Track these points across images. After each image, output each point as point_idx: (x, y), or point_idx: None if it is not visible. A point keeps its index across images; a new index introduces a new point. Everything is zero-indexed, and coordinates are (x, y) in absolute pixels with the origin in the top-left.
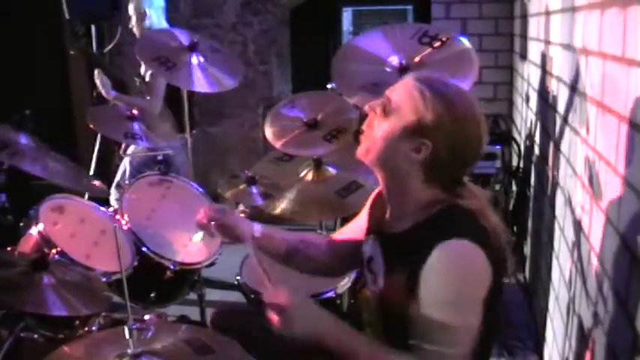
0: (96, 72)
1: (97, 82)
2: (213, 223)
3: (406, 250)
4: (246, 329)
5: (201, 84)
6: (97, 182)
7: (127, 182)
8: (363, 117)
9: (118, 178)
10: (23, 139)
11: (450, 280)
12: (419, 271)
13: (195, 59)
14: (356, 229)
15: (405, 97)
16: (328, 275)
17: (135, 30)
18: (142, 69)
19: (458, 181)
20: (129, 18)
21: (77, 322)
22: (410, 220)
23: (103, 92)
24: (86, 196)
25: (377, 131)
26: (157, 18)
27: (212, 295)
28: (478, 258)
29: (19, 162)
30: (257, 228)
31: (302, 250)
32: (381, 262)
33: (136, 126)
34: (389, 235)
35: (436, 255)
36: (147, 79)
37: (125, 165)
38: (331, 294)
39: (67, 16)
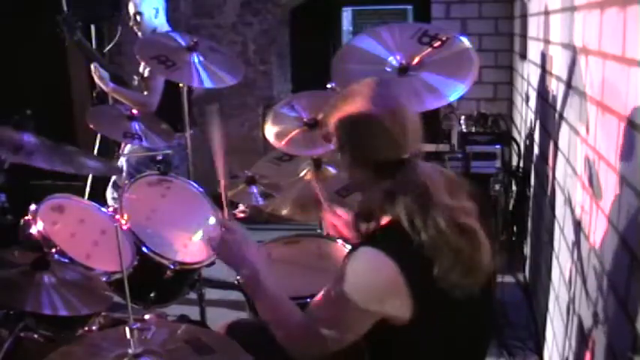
0: (92, 66)
1: (95, 76)
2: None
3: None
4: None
5: (201, 80)
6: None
7: (125, 182)
8: None
9: (114, 177)
10: (31, 139)
11: (350, 273)
12: None
13: (195, 58)
14: None
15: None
16: None
17: (136, 29)
18: (142, 66)
19: (395, 163)
20: (129, 17)
21: (77, 322)
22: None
23: (102, 85)
24: (86, 195)
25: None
26: (155, 17)
27: (212, 294)
28: (386, 270)
29: (36, 161)
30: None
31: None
32: None
33: (136, 126)
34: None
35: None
36: (145, 74)
37: (122, 164)
38: None
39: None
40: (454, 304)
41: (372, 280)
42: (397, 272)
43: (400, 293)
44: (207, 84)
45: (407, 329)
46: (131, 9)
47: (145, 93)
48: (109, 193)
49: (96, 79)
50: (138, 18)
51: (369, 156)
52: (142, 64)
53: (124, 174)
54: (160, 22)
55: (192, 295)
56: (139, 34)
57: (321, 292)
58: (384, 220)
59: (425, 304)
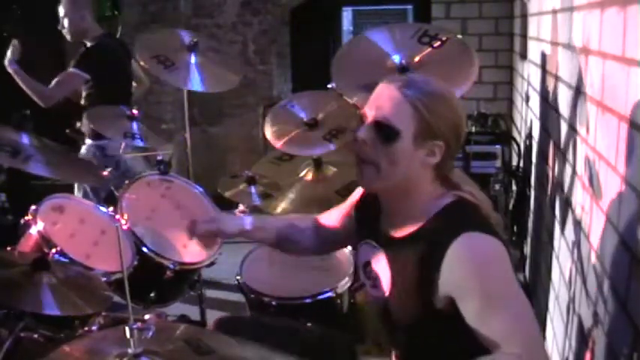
0: (14, 41)
1: (9, 50)
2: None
3: (412, 253)
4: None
5: (199, 83)
6: (105, 172)
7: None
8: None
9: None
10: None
11: (486, 275)
12: (435, 274)
13: (194, 59)
14: (339, 216)
15: (399, 109)
16: (314, 254)
17: (64, 33)
18: (69, 70)
19: (452, 167)
20: (59, 23)
21: (77, 322)
22: (414, 221)
23: (6, 60)
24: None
25: (385, 159)
26: (82, 20)
27: (212, 295)
28: (495, 245)
29: (32, 167)
30: (248, 221)
31: (290, 236)
32: (386, 268)
33: (136, 126)
34: (392, 240)
35: (455, 251)
36: (64, 73)
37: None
38: (330, 294)
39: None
40: None
41: (506, 263)
42: (505, 249)
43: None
44: (204, 88)
45: None
46: (60, 13)
47: (50, 86)
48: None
49: (8, 53)
50: (65, 22)
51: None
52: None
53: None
54: (88, 26)
55: (193, 296)
56: (68, 37)
57: (490, 320)
58: (442, 202)
59: None
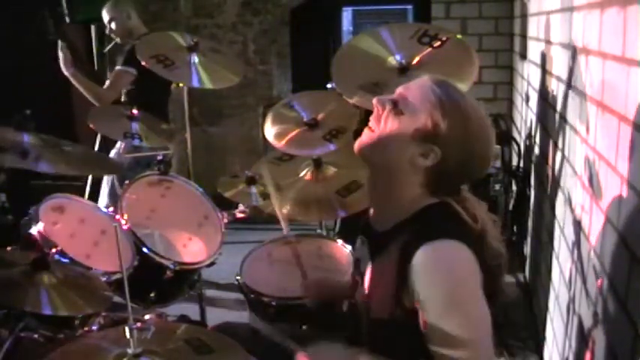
0: (60, 44)
1: (60, 54)
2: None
3: (390, 249)
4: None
5: (200, 81)
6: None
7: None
8: (362, 116)
9: (107, 188)
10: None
11: (443, 281)
12: (405, 273)
13: (194, 58)
14: None
15: (422, 98)
16: None
17: (113, 36)
18: (116, 68)
19: (455, 193)
20: (105, 26)
21: (77, 322)
22: (390, 218)
23: (62, 65)
24: (86, 195)
25: (385, 128)
26: (128, 19)
27: (212, 295)
28: (464, 254)
29: (43, 166)
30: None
31: None
32: (368, 262)
33: (136, 126)
34: (373, 234)
35: (422, 256)
36: (115, 72)
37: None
38: None
39: (66, 16)
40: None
41: (469, 269)
42: (473, 257)
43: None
44: (206, 85)
45: None
46: (105, 17)
47: (105, 87)
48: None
49: (60, 59)
50: (112, 25)
51: (463, 178)
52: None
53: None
54: (134, 25)
55: (193, 295)
56: (117, 40)
57: (443, 324)
58: (411, 209)
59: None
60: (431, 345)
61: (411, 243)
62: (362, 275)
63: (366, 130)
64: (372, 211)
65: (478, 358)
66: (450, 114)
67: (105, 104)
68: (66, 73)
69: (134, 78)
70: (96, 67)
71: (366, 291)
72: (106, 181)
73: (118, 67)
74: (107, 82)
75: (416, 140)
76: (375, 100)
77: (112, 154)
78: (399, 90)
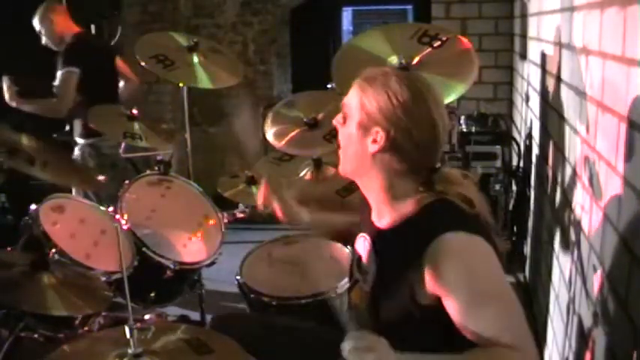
0: (4, 78)
1: (4, 86)
2: None
3: (397, 245)
4: (246, 333)
5: (199, 81)
6: (101, 177)
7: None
8: None
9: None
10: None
11: (469, 273)
12: (417, 272)
13: (195, 58)
14: None
15: (351, 97)
16: None
17: (45, 43)
18: (58, 73)
19: (430, 169)
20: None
21: (77, 321)
22: (391, 215)
23: (7, 98)
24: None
25: (342, 141)
26: (53, 25)
27: (212, 295)
28: (477, 243)
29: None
30: None
31: None
32: (373, 260)
33: (136, 126)
34: (376, 231)
35: (438, 248)
36: (59, 78)
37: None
38: (330, 294)
39: None
40: None
41: (491, 261)
42: (488, 245)
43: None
44: (206, 85)
45: None
46: (36, 28)
47: (57, 98)
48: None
49: (5, 93)
50: (43, 38)
51: (421, 149)
52: (58, 70)
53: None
54: (62, 26)
55: (193, 296)
56: (52, 47)
57: (477, 319)
58: (413, 207)
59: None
60: (469, 335)
61: (421, 242)
62: (363, 273)
63: (339, 153)
64: (373, 212)
65: (522, 345)
66: (374, 95)
67: (63, 113)
68: (11, 103)
69: (79, 76)
70: None
71: (371, 289)
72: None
73: (59, 72)
74: (55, 91)
75: (361, 134)
76: (333, 123)
77: (76, 152)
78: (342, 102)
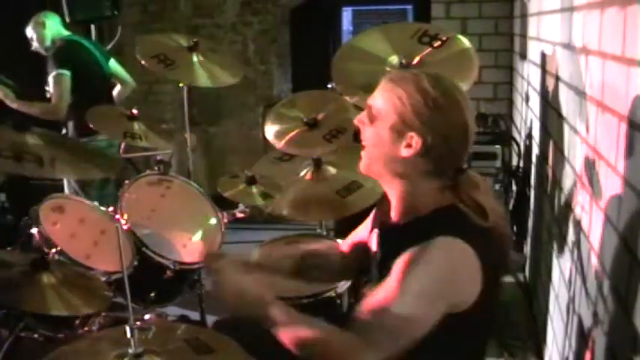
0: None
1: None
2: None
3: (398, 241)
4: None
5: (200, 80)
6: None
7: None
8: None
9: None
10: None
11: (430, 272)
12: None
13: (195, 58)
14: (362, 232)
15: (383, 98)
16: (338, 280)
17: (37, 49)
18: (49, 77)
19: (458, 170)
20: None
21: (77, 321)
22: (407, 214)
23: (7, 102)
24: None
25: (369, 141)
26: (43, 29)
27: None
28: (467, 258)
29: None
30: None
31: (314, 260)
32: (379, 254)
33: (136, 126)
34: (388, 226)
35: (424, 247)
36: (50, 82)
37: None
38: (330, 294)
39: (67, 16)
40: (497, 290)
41: (454, 268)
42: (475, 257)
43: (475, 279)
44: (206, 84)
45: (462, 316)
46: (29, 36)
47: (53, 101)
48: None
49: (1, 97)
50: (34, 43)
51: (453, 151)
52: (49, 73)
53: (72, 183)
54: (53, 30)
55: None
56: (44, 52)
57: (378, 297)
58: (428, 208)
59: (487, 288)
60: (361, 307)
61: (420, 237)
62: (375, 268)
63: (362, 152)
64: (394, 214)
65: (380, 350)
66: (409, 98)
67: (62, 114)
68: (12, 106)
69: (70, 77)
70: None
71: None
72: (66, 182)
73: (50, 75)
74: (50, 95)
75: (394, 137)
76: (355, 121)
77: None
78: (368, 102)
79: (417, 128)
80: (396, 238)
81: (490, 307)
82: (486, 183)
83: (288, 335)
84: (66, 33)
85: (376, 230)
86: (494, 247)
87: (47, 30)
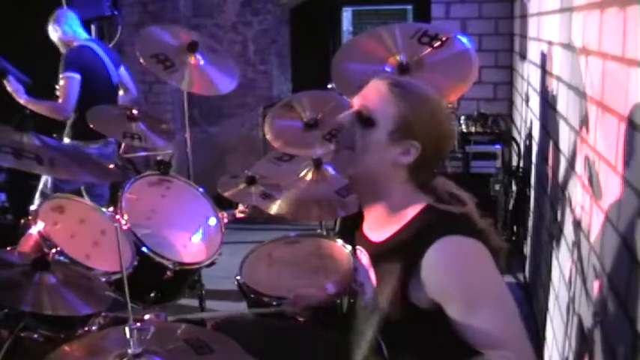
0: (5, 80)
1: (8, 88)
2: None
3: (394, 256)
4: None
5: (197, 86)
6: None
7: (49, 191)
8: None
9: (41, 185)
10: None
11: (464, 276)
12: (413, 275)
13: (194, 60)
14: None
15: (383, 101)
16: None
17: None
18: (60, 77)
19: (433, 177)
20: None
21: (77, 322)
22: (391, 225)
23: (16, 97)
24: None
25: (361, 143)
26: (65, 33)
27: (212, 295)
28: (470, 245)
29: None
30: None
31: None
32: (371, 274)
33: (136, 126)
34: (372, 243)
35: (433, 256)
36: (60, 82)
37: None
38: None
39: None
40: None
41: (485, 263)
42: (479, 243)
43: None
44: (203, 91)
45: None
46: (53, 39)
47: (60, 100)
48: (36, 201)
49: (10, 91)
50: (59, 45)
51: (440, 159)
52: (60, 73)
53: (49, 183)
54: (72, 37)
55: (193, 296)
56: (60, 46)
57: (479, 328)
58: (407, 215)
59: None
60: (468, 338)
61: (416, 250)
62: (359, 284)
63: (342, 153)
64: (366, 222)
65: (518, 346)
66: (414, 104)
67: (68, 115)
68: (20, 101)
69: (80, 81)
70: None
71: (372, 296)
72: (43, 180)
73: (61, 75)
74: (58, 94)
75: (394, 142)
76: (339, 119)
77: None
78: (357, 101)
79: (420, 137)
80: (389, 256)
81: None
82: (445, 179)
83: None
84: (84, 36)
85: (360, 249)
86: (485, 233)
87: (67, 36)
